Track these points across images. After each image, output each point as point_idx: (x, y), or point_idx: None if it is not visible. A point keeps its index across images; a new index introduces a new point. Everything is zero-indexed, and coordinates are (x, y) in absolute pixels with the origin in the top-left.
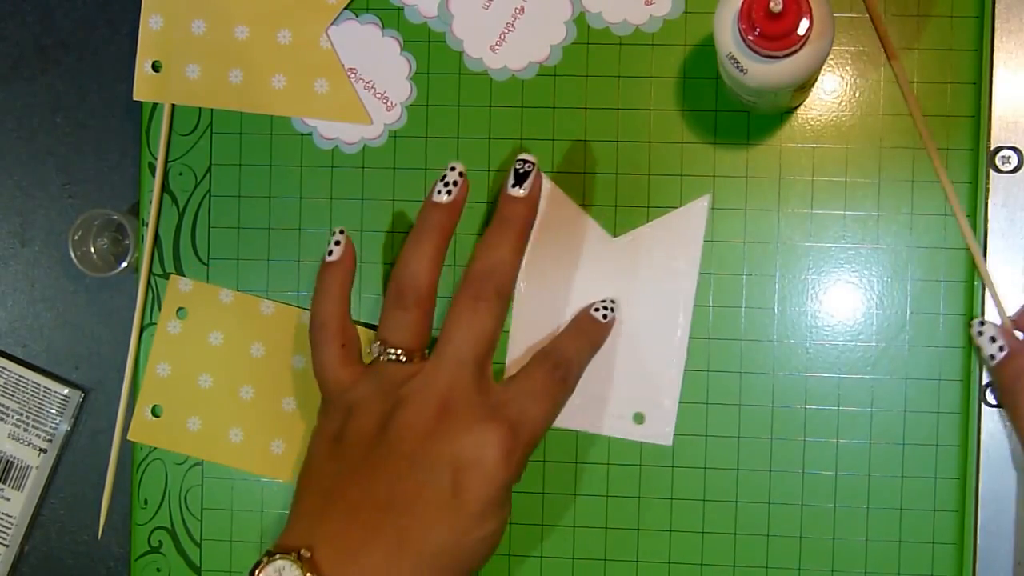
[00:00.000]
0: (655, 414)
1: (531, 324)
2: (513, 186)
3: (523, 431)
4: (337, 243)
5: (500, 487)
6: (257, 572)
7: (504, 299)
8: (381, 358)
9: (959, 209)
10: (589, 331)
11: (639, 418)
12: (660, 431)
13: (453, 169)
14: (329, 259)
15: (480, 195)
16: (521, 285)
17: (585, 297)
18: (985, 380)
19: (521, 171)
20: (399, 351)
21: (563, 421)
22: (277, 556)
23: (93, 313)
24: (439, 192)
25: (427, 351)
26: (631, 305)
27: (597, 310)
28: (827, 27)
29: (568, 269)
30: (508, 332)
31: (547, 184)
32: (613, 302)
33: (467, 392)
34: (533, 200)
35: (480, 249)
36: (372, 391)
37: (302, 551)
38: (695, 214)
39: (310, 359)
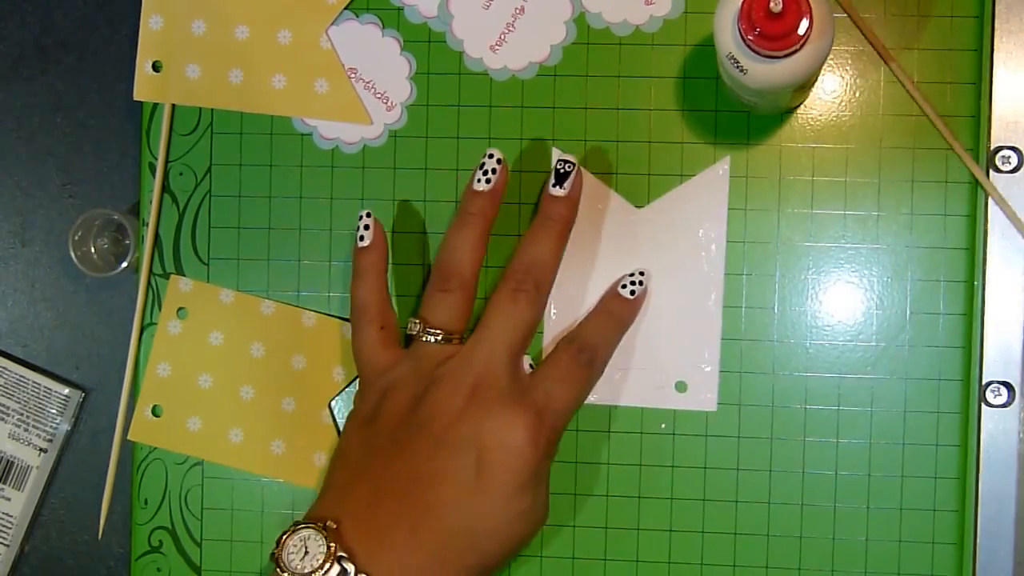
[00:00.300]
0: (697, 381)
1: (563, 301)
2: (554, 186)
3: (548, 415)
4: (367, 227)
5: (524, 470)
6: (284, 538)
7: (543, 294)
8: (422, 337)
9: (979, 173)
10: (615, 311)
11: (681, 387)
12: (703, 397)
13: (491, 156)
14: (361, 245)
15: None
16: None
17: (615, 270)
18: (985, 380)
19: (562, 171)
20: (439, 332)
21: (607, 397)
22: (303, 526)
23: (93, 313)
24: (478, 181)
25: (465, 336)
26: (661, 275)
27: (624, 286)
28: (827, 27)
29: (595, 243)
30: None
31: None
32: (643, 274)
33: (498, 377)
34: (574, 200)
35: (522, 245)
36: (408, 372)
37: (328, 523)
38: (717, 178)
39: (310, 359)
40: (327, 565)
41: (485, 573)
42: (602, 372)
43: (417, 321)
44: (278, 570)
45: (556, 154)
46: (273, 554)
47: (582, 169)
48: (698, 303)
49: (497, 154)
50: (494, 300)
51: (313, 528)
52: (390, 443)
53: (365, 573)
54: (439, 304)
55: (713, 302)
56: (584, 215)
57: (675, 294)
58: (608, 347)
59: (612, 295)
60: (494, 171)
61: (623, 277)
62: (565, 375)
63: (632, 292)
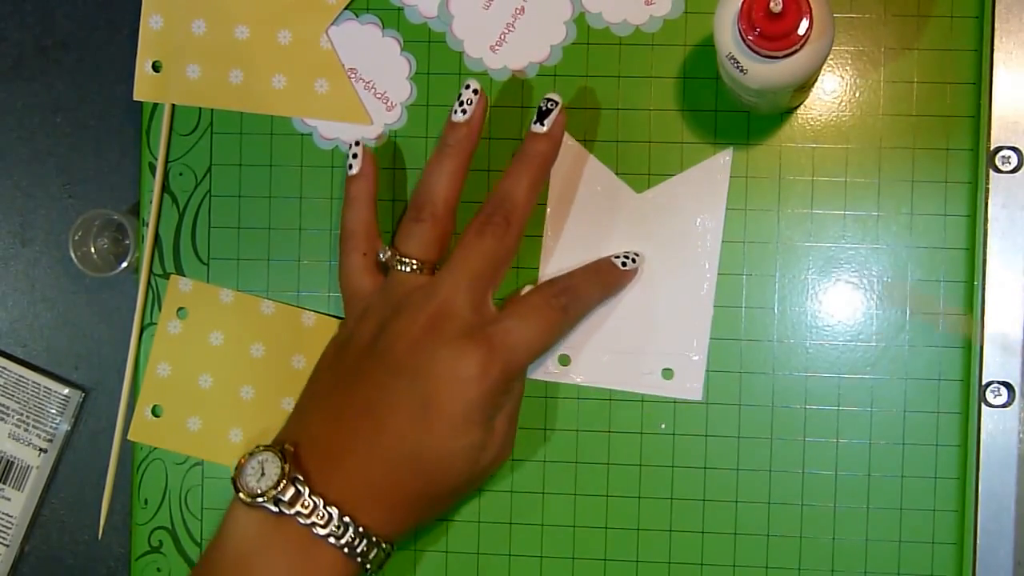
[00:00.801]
0: (683, 369)
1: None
2: (535, 123)
3: (503, 350)
4: (355, 156)
5: (471, 402)
6: (242, 461)
7: (514, 228)
8: (395, 265)
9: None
10: (604, 272)
11: (668, 374)
12: (688, 386)
13: (468, 87)
14: (351, 173)
15: (481, 194)
16: (548, 243)
17: (617, 243)
18: (985, 380)
19: (544, 108)
20: (411, 260)
21: (592, 378)
22: (261, 449)
23: (93, 313)
24: (455, 112)
25: (439, 268)
26: (657, 260)
27: (618, 257)
28: (827, 27)
29: (594, 226)
30: None
31: (572, 142)
32: (637, 255)
33: (459, 309)
34: (554, 138)
35: (498, 182)
36: (380, 298)
37: (285, 446)
38: (717, 169)
39: (310, 359)
40: (281, 485)
41: (437, 502)
42: (572, 325)
43: (388, 249)
44: (235, 492)
45: (547, 94)
46: (232, 477)
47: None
48: (691, 292)
49: (474, 84)
50: (463, 233)
51: (270, 451)
52: (354, 370)
53: (318, 494)
54: (412, 233)
55: (705, 292)
56: (583, 196)
57: (668, 281)
58: (586, 301)
59: (606, 260)
60: (470, 102)
61: (620, 252)
62: (532, 313)
63: (624, 264)
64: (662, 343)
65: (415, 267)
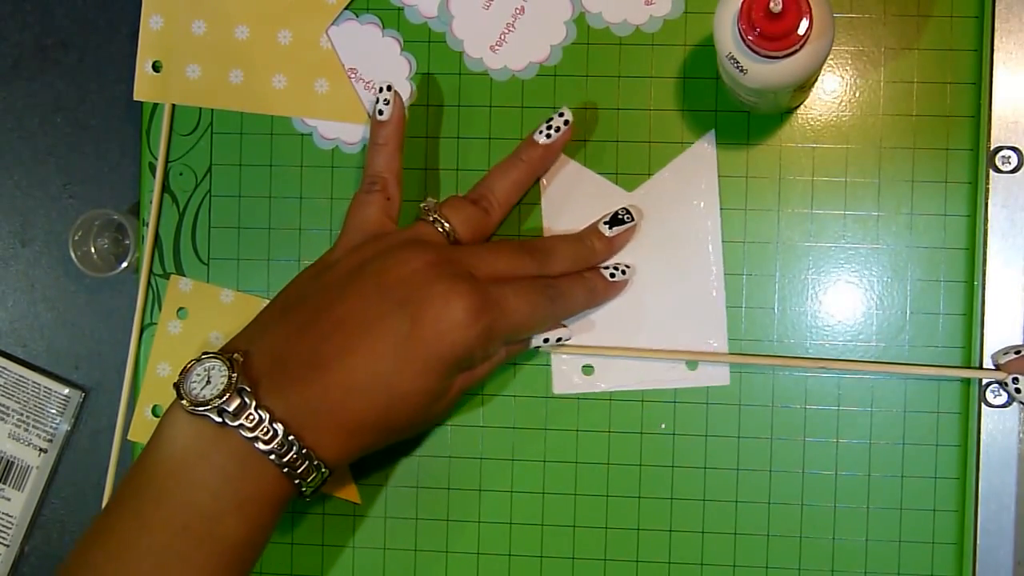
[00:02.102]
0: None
1: None
2: (539, 132)
3: (493, 309)
4: (387, 102)
5: (449, 348)
6: (188, 367)
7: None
8: (429, 219)
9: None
10: (590, 280)
11: (692, 365)
12: (714, 373)
13: (561, 116)
14: (380, 119)
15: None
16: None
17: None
18: (985, 380)
19: (552, 123)
20: (450, 226)
21: (618, 383)
22: (210, 356)
23: (93, 313)
24: (540, 132)
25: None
26: (661, 254)
27: (607, 268)
28: (827, 27)
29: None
30: None
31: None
32: (628, 267)
33: (464, 264)
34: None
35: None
36: (388, 238)
37: (235, 355)
38: (702, 152)
39: None
40: (226, 395)
41: (382, 438)
42: (555, 320)
43: (434, 203)
44: (177, 398)
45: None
46: (176, 383)
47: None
48: (701, 279)
49: (567, 114)
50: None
51: (219, 359)
52: (338, 284)
53: (264, 408)
54: (464, 210)
55: (715, 275)
56: (576, 202)
57: (677, 271)
58: (572, 302)
59: (595, 271)
60: (558, 130)
61: (610, 264)
62: (525, 291)
63: (612, 275)
64: (682, 335)
65: (447, 230)
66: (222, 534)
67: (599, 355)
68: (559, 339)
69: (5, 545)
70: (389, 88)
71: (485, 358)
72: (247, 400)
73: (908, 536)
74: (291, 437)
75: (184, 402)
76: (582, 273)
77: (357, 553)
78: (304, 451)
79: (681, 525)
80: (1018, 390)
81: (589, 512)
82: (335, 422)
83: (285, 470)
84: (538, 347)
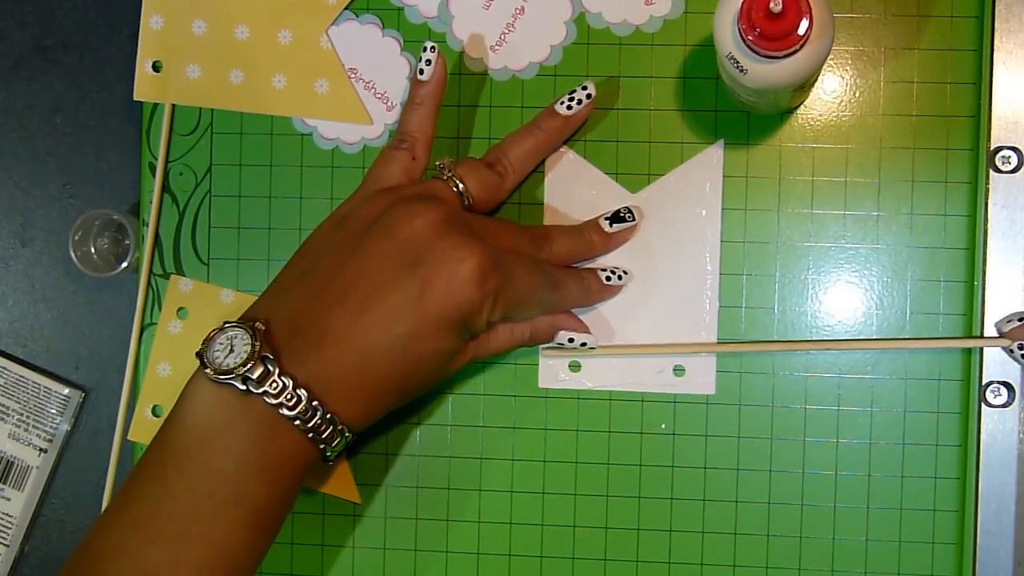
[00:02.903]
0: (695, 365)
1: None
2: (560, 103)
3: (503, 272)
4: (428, 63)
5: (460, 306)
6: (212, 335)
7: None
8: (444, 177)
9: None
10: (588, 279)
11: (679, 371)
12: (701, 381)
13: (585, 89)
14: (421, 78)
15: None
16: None
17: (610, 256)
18: (985, 380)
19: (575, 96)
20: (465, 188)
21: (604, 382)
22: (232, 325)
23: (93, 313)
24: (561, 103)
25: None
26: (658, 258)
27: (604, 271)
28: (827, 27)
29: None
30: None
31: (562, 147)
32: (625, 272)
33: (477, 225)
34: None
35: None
36: (402, 190)
37: (257, 324)
38: (711, 159)
39: None
40: (250, 364)
41: (400, 398)
42: (548, 308)
43: (451, 162)
44: (201, 367)
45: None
46: (199, 352)
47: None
48: (695, 287)
49: (591, 88)
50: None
51: (241, 327)
52: (351, 241)
53: (288, 375)
54: (478, 171)
55: (710, 285)
56: (578, 203)
57: (672, 278)
58: (566, 294)
59: (592, 271)
60: (580, 102)
61: (608, 267)
62: (528, 267)
63: (608, 278)
64: (670, 341)
65: (461, 190)
66: (248, 498)
67: (585, 354)
68: (583, 344)
69: (5, 545)
70: (433, 48)
71: (486, 326)
72: (271, 368)
73: (908, 536)
74: (315, 403)
75: (208, 371)
76: (580, 270)
77: (357, 553)
78: (328, 416)
79: (681, 525)
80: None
81: (589, 512)
82: (355, 386)
83: (310, 435)
84: (561, 345)
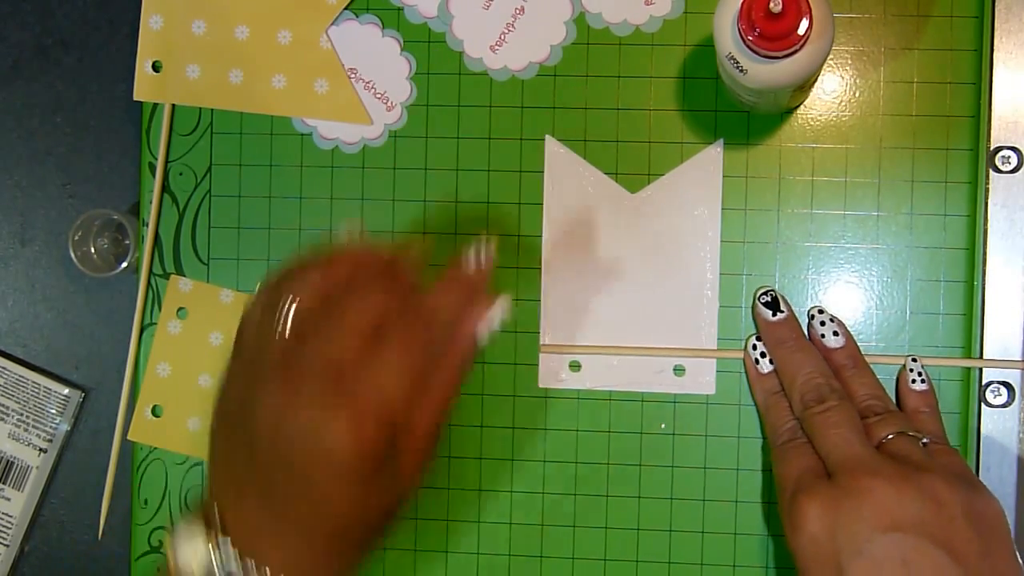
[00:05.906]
0: (695, 365)
1: (556, 285)
2: (466, 257)
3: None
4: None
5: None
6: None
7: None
8: None
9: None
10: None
11: (680, 370)
12: (701, 381)
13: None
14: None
15: (480, 194)
16: (546, 249)
17: (610, 255)
18: (985, 380)
19: (470, 254)
20: None
21: (604, 382)
22: (190, 523)
23: (93, 313)
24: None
25: None
26: (658, 258)
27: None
28: (827, 27)
29: (590, 228)
30: (540, 300)
31: (562, 148)
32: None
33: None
34: (482, 276)
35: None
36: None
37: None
38: (710, 159)
39: None
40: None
41: (362, 544)
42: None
43: None
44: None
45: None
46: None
47: None
48: (695, 286)
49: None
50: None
51: (197, 526)
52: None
53: (249, 555)
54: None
55: (710, 284)
56: (578, 203)
57: (672, 277)
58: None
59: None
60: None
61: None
62: (399, 371)
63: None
64: (671, 341)
65: None
66: None
67: (586, 352)
68: (503, 309)
69: (5, 545)
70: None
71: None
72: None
73: None
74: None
75: None
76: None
77: None
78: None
79: (681, 525)
80: None
81: (589, 512)
82: (290, 540)
83: None
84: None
